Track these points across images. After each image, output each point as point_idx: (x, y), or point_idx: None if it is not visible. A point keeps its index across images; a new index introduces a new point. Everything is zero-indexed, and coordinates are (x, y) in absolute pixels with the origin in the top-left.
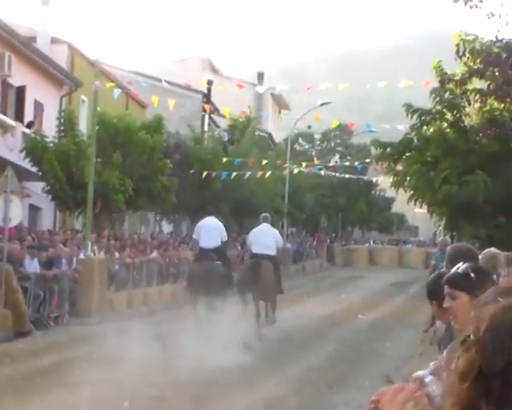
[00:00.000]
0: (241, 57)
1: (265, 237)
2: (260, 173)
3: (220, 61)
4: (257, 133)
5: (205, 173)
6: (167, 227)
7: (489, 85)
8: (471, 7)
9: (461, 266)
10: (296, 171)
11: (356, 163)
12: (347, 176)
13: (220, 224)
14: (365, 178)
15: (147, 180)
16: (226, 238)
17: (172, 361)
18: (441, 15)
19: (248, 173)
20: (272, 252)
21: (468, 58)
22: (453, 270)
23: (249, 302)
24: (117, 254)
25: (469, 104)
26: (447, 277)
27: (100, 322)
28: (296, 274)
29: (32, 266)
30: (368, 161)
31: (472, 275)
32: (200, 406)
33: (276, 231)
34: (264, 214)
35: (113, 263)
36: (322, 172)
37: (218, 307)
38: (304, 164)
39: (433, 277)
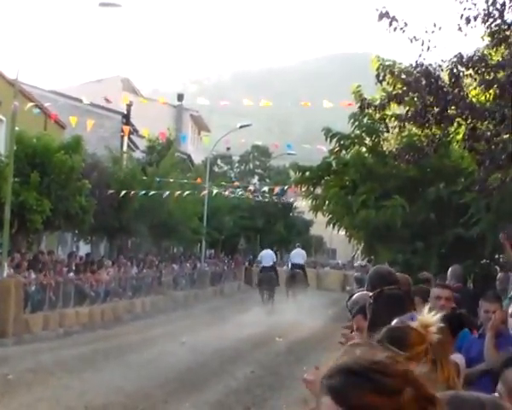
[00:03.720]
0: (161, 77)
1: (299, 255)
2: (178, 193)
3: (140, 82)
4: (177, 154)
5: (123, 192)
6: (85, 248)
7: (407, 111)
8: (395, 29)
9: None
10: (215, 192)
11: (276, 189)
12: (266, 200)
13: (272, 253)
14: (283, 200)
15: (65, 201)
16: (275, 260)
17: (89, 385)
18: (360, 38)
19: (166, 193)
20: (303, 262)
21: (388, 83)
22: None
23: (289, 293)
24: (33, 275)
25: (388, 130)
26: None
27: (15, 343)
28: (214, 296)
29: None
30: (286, 187)
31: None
32: None
33: (304, 252)
34: (298, 243)
35: (29, 284)
36: (241, 192)
37: (272, 296)
38: (223, 183)
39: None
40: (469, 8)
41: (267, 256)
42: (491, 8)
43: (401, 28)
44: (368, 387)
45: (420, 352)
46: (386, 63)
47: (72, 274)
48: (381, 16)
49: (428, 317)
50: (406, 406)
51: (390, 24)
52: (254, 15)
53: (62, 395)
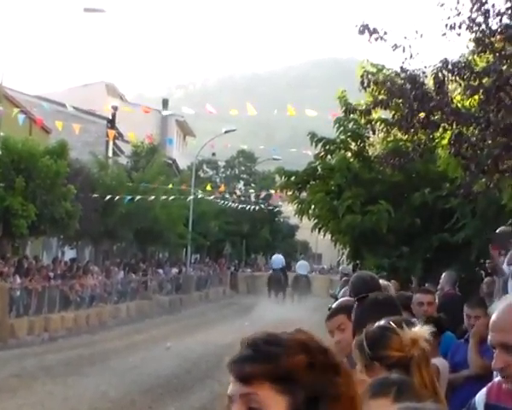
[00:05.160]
0: (146, 82)
1: (303, 266)
2: (164, 198)
3: (125, 86)
4: (163, 159)
5: (108, 197)
6: (70, 253)
7: (393, 116)
8: (376, 39)
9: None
10: (200, 196)
11: (262, 194)
12: (252, 207)
13: (282, 257)
14: (269, 207)
15: (50, 206)
16: (285, 264)
17: (74, 390)
18: (345, 43)
19: (151, 198)
20: (306, 272)
21: (373, 89)
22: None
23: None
24: (18, 280)
25: (374, 134)
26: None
27: (0, 348)
28: (199, 301)
29: None
30: (272, 191)
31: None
32: None
33: (307, 263)
34: (302, 255)
35: (15, 289)
36: (227, 196)
37: (281, 296)
38: (209, 187)
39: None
40: (454, 16)
41: (277, 260)
42: (475, 15)
43: (381, 38)
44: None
45: (397, 357)
46: (371, 70)
47: (57, 279)
48: (362, 31)
49: (416, 331)
50: (301, 372)
51: (370, 35)
52: (240, 20)
53: (47, 401)
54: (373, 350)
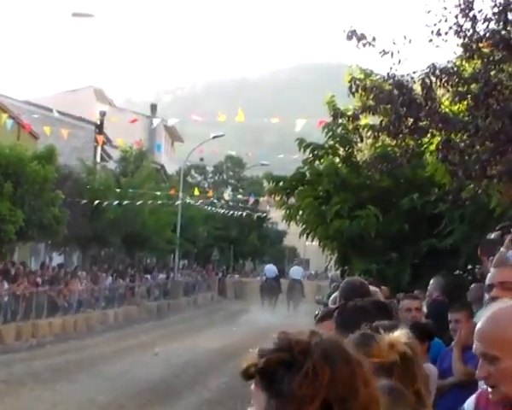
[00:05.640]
0: (134, 87)
1: (297, 271)
2: (151, 202)
3: (113, 91)
4: (151, 165)
5: (96, 202)
6: (58, 259)
7: (381, 122)
8: (364, 45)
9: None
10: (188, 201)
11: (251, 199)
12: (240, 212)
13: (275, 267)
14: (257, 213)
15: (38, 211)
16: (277, 273)
17: (62, 396)
18: (334, 48)
19: (139, 202)
20: (300, 277)
21: (361, 95)
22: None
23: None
24: (6, 286)
25: (362, 140)
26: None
27: None
28: (187, 307)
29: None
30: (261, 199)
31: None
32: None
33: (301, 268)
34: (296, 261)
35: (2, 294)
36: (215, 201)
37: (273, 303)
38: (197, 192)
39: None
40: (440, 21)
41: (271, 269)
42: (462, 21)
43: (369, 43)
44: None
45: (377, 364)
46: (359, 76)
47: (45, 285)
48: (350, 37)
49: (394, 336)
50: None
51: (358, 41)
52: (228, 25)
53: (35, 407)
54: None
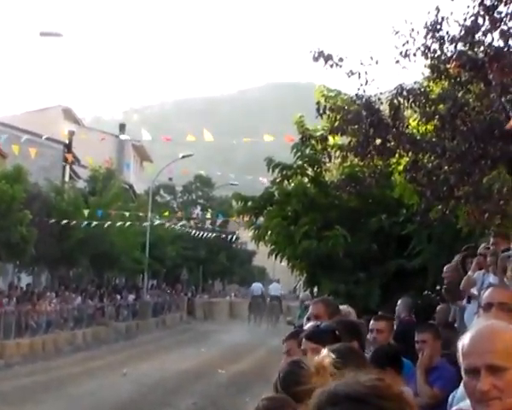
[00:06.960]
0: (103, 106)
1: (276, 288)
2: (120, 223)
3: (82, 110)
4: (120, 184)
5: (64, 222)
6: (26, 279)
7: (350, 142)
8: (331, 65)
9: (323, 323)
10: (157, 222)
11: (218, 220)
12: (209, 233)
13: (261, 285)
14: (226, 234)
15: (6, 230)
16: (263, 290)
17: None
18: (305, 67)
19: (108, 223)
20: (279, 294)
21: (329, 115)
22: (313, 325)
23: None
24: None
25: (330, 159)
26: (309, 332)
27: None
28: (156, 328)
29: None
30: (232, 219)
31: (336, 332)
32: None
33: (279, 285)
34: (276, 279)
35: None
36: (184, 223)
37: (260, 319)
38: (166, 213)
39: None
40: (407, 42)
41: (257, 287)
42: (430, 42)
43: (336, 64)
44: None
45: (306, 390)
46: (328, 94)
47: (12, 305)
48: (316, 58)
49: (319, 359)
50: None
51: (326, 62)
52: (196, 44)
53: None
54: (285, 389)
